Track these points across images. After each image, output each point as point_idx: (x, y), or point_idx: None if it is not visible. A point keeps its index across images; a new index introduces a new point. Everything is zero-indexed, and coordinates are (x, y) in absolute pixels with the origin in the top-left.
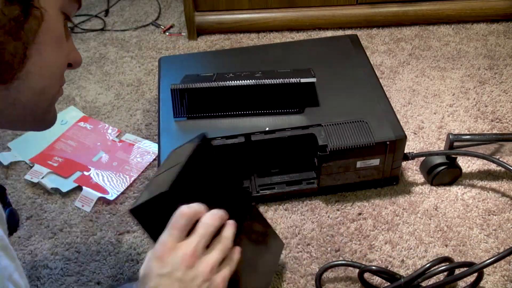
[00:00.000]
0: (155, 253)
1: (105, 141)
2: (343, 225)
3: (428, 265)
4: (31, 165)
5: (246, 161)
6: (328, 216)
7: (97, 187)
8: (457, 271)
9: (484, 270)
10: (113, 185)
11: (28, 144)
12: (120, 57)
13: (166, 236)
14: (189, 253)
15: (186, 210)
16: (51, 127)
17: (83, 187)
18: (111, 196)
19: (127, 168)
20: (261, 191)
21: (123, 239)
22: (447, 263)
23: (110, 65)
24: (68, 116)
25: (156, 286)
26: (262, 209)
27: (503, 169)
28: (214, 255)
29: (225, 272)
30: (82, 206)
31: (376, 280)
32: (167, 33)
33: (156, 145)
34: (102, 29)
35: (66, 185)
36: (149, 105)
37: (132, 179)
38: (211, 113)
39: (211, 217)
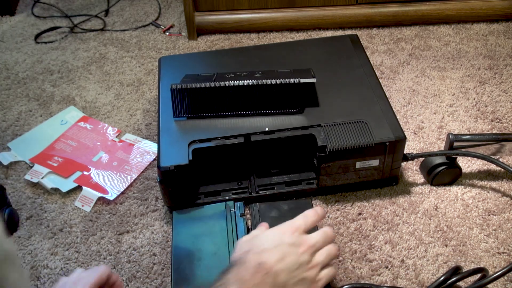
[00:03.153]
0: (284, 226)
1: (105, 141)
2: (343, 225)
3: (442, 278)
4: (31, 165)
5: (245, 161)
6: (328, 216)
7: (97, 187)
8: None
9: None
10: (113, 185)
11: (28, 144)
12: (120, 57)
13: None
14: (311, 242)
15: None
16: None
17: (83, 187)
18: (111, 196)
19: (127, 168)
20: (260, 192)
21: (123, 239)
22: (459, 274)
23: (110, 65)
24: (68, 116)
25: (277, 248)
26: None
27: (503, 169)
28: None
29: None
30: (82, 206)
31: None
32: (167, 33)
33: (156, 145)
34: (102, 29)
35: (66, 185)
36: (149, 105)
37: (132, 179)
38: (211, 113)
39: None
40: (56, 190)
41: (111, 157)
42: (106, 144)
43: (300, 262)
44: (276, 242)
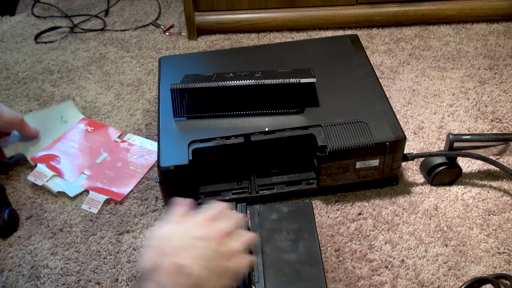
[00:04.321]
0: (193, 220)
1: (107, 142)
2: (343, 225)
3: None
4: (33, 164)
5: (245, 161)
6: (328, 216)
7: (103, 190)
8: None
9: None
10: (120, 186)
11: (28, 139)
12: (120, 57)
13: (207, 214)
14: (222, 232)
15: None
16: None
17: (90, 191)
18: (117, 197)
19: (132, 169)
20: (260, 192)
21: (123, 239)
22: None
23: (110, 65)
24: (67, 115)
25: (192, 246)
26: None
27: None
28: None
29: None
30: (89, 208)
31: None
32: (167, 33)
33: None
34: (102, 29)
35: (72, 189)
36: (149, 105)
37: (138, 179)
38: (211, 113)
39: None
40: (62, 194)
41: (115, 158)
42: (109, 145)
43: (218, 255)
44: (189, 240)
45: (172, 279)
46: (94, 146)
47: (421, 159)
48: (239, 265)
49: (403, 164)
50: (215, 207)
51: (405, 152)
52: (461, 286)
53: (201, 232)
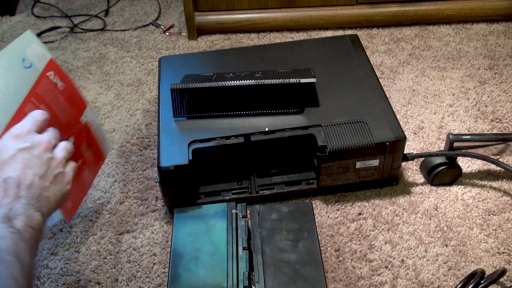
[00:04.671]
0: (12, 132)
1: (75, 120)
2: (343, 225)
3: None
4: None
5: (245, 161)
6: (328, 216)
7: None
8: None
9: (484, 269)
10: (72, 198)
11: None
12: (120, 57)
13: (25, 126)
14: (45, 139)
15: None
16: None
17: None
18: (68, 217)
19: (85, 173)
20: (260, 192)
21: (123, 239)
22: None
23: (110, 65)
24: (30, 54)
25: (18, 158)
26: None
27: (503, 169)
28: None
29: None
30: None
31: None
32: (167, 33)
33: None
34: (102, 29)
35: None
36: (149, 105)
37: (87, 190)
38: (211, 113)
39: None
40: None
41: (77, 150)
42: (76, 125)
43: (46, 162)
44: (13, 152)
45: (8, 193)
46: (64, 120)
47: (421, 159)
48: (68, 169)
49: (403, 164)
50: (31, 116)
51: (405, 152)
52: (457, 285)
53: (23, 143)
